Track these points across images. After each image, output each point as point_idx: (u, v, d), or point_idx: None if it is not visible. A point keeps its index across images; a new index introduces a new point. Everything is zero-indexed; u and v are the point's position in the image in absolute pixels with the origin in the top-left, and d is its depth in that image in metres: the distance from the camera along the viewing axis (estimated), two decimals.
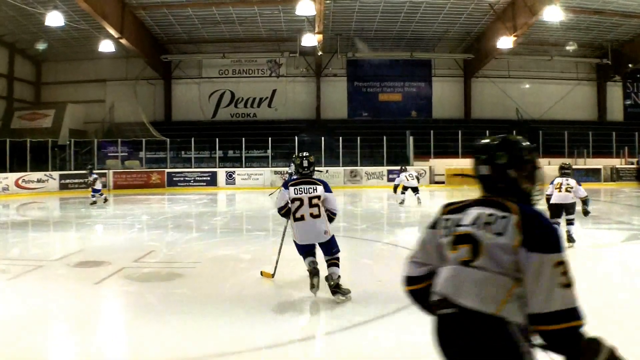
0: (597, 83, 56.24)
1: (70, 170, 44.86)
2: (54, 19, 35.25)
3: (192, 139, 47.96)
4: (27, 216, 28.55)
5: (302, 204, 11.24)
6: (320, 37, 43.42)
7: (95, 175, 32.66)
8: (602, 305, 10.06)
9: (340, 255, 11.35)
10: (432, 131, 48.01)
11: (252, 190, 42.08)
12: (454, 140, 47.37)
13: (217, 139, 48.10)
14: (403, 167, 30.53)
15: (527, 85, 54.79)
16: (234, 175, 44.39)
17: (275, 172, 45.33)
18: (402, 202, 29.56)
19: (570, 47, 48.51)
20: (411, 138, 47.70)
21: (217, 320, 9.84)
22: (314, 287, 11.05)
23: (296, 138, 46.96)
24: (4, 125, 50.33)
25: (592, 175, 46.10)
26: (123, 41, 43.23)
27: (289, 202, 11.32)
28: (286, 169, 41.25)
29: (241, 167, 46.84)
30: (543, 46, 50.79)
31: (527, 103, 54.59)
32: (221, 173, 46.00)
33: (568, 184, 16.55)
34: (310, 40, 43.18)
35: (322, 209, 11.40)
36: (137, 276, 13.21)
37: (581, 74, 55.74)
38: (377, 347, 8.53)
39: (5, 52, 50.94)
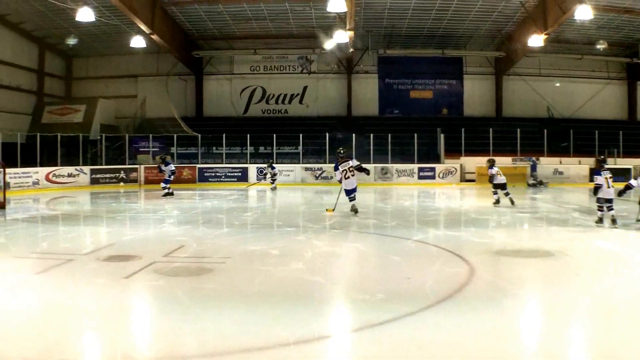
0: (628, 82, 55.64)
1: (101, 165, 45.18)
2: (85, 14, 35.26)
3: (224, 135, 48.06)
4: (57, 210, 28.61)
5: (346, 172, 24.25)
6: (351, 33, 43.30)
7: (172, 167, 33.10)
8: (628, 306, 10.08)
9: (369, 251, 11.72)
10: (463, 129, 47.74)
11: (283, 187, 41.94)
12: (484, 138, 47.13)
13: (248, 135, 48.17)
14: (491, 160, 29.29)
15: (558, 84, 54.43)
16: (264, 171, 44.36)
17: (306, 169, 45.31)
18: (497, 202, 27.72)
19: (601, 46, 48.16)
20: (442, 135, 47.53)
21: (245, 315, 9.85)
22: (355, 212, 24.09)
23: (327, 135, 46.97)
24: (34, 120, 50.62)
25: (622, 174, 45.73)
26: (154, 37, 43.37)
27: (341, 172, 24.31)
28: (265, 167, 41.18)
29: (272, 163, 46.65)
30: (573, 45, 50.39)
31: (558, 101, 54.21)
32: (252, 169, 46.00)
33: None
34: (341, 37, 43.01)
35: (355, 172, 24.31)
36: (166, 271, 13.22)
37: (612, 73, 55.22)
38: (405, 345, 8.47)
39: (35, 47, 51.22)
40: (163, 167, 33.69)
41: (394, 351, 8.19)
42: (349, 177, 24.05)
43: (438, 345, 8.31)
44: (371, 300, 10.66)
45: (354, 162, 24.72)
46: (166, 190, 32.93)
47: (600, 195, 19.88)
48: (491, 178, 27.52)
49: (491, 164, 27.72)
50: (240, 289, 11.79)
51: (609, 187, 19.67)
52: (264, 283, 12.25)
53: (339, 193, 24.91)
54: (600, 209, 20.15)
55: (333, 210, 24.59)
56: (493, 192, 27.64)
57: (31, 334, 8.88)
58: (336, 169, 24.58)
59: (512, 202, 26.87)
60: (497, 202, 27.72)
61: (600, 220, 20.12)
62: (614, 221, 19.71)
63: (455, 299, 10.70)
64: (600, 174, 19.85)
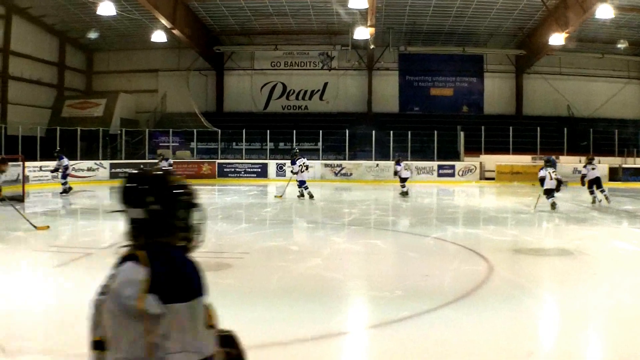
0: None
1: (121, 159, 45.21)
2: (106, 8, 35.38)
3: (244, 130, 48.09)
4: (76, 204, 28.70)
5: (301, 167, 28.56)
6: (372, 30, 43.26)
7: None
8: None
9: (387, 248, 11.60)
10: (483, 127, 47.61)
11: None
12: (504, 137, 47.01)
13: (268, 131, 48.22)
14: (590, 157, 29.10)
15: (578, 83, 54.19)
16: (284, 167, 44.26)
17: (326, 165, 45.28)
18: (594, 202, 27.30)
19: (622, 45, 47.86)
20: (462, 133, 47.40)
21: (263, 311, 9.88)
22: (311, 197, 28.29)
23: (347, 131, 46.87)
24: (54, 113, 50.72)
25: None
26: (175, 32, 43.46)
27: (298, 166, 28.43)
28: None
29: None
30: (594, 43, 50.07)
31: (578, 100, 53.83)
32: (272, 165, 46.06)
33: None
34: (362, 33, 42.98)
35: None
36: None
37: (632, 72, 54.76)
38: (423, 342, 8.47)
39: (56, 41, 51.38)
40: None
41: (411, 348, 8.19)
42: (303, 171, 30.32)
43: (456, 343, 8.31)
44: (389, 297, 10.66)
45: (305, 161, 30.97)
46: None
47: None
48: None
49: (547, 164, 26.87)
50: (259, 284, 11.82)
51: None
52: (282, 279, 12.28)
53: (287, 184, 32.81)
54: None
55: (281, 196, 31.14)
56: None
57: (50, 327, 8.95)
58: (293, 163, 31.12)
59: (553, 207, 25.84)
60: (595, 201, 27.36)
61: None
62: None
63: (473, 297, 10.70)
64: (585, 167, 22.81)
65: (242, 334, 8.71)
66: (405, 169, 32.68)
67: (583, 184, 27.16)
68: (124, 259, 3.44)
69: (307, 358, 7.87)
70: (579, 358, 8.00)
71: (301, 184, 30.63)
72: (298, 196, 30.49)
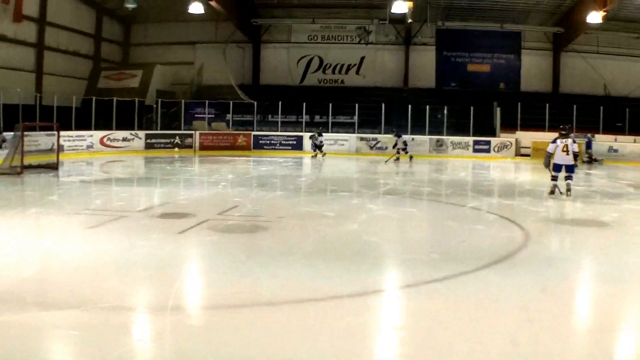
0: None
1: (156, 130, 45.35)
2: None
3: (280, 103, 47.97)
4: (110, 173, 28.84)
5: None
6: (410, 4, 42.96)
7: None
8: None
9: (423, 216, 11.67)
10: (519, 103, 47.26)
11: (338, 156, 41.86)
12: (541, 114, 46.62)
13: (304, 104, 48.01)
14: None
15: (616, 62, 53.73)
16: (315, 141, 44.24)
17: (361, 139, 45.19)
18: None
19: None
20: (498, 109, 47.07)
21: (299, 270, 9.95)
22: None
23: (383, 106, 46.70)
24: (90, 84, 50.72)
25: None
26: (212, 3, 43.35)
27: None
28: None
29: (327, 132, 46.56)
30: (632, 23, 49.65)
31: (615, 80, 53.27)
32: (307, 137, 45.71)
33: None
34: (400, 7, 42.56)
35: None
36: (220, 227, 13.37)
37: None
38: (457, 301, 8.49)
39: (92, 13, 51.40)
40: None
41: (446, 306, 8.21)
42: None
43: (490, 303, 8.30)
44: (426, 260, 10.72)
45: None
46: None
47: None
48: None
49: None
50: (295, 246, 11.87)
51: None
52: (319, 241, 12.35)
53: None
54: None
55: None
56: None
57: (82, 282, 9.01)
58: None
59: None
60: None
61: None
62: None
63: (510, 260, 10.70)
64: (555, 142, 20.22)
65: (280, 290, 8.79)
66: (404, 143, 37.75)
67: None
68: None
69: (343, 313, 7.84)
70: (617, 321, 7.92)
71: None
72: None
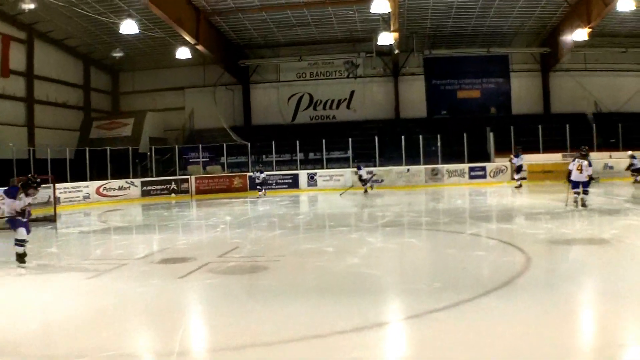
0: None
1: (152, 176, 45.30)
2: (128, 27, 35.39)
3: (273, 143, 47.95)
4: (109, 222, 28.69)
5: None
6: (396, 35, 43.09)
7: None
8: None
9: (423, 245, 11.71)
10: (512, 127, 47.39)
11: (334, 191, 41.85)
12: (534, 136, 46.74)
13: (297, 142, 48.10)
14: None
15: (604, 78, 53.90)
16: (315, 177, 44.29)
17: (356, 173, 45.29)
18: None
19: None
20: (491, 134, 47.22)
21: (301, 307, 9.95)
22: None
23: (376, 138, 46.76)
24: (82, 135, 50.92)
25: None
26: (199, 47, 43.52)
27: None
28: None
29: (322, 168, 46.86)
30: (617, 38, 49.87)
31: (605, 96, 53.46)
32: (303, 175, 45.97)
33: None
34: (386, 39, 42.72)
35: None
36: (221, 269, 13.38)
37: None
38: (462, 330, 8.46)
39: (79, 64, 51.75)
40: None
41: (451, 336, 8.19)
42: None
43: (496, 329, 8.29)
44: (428, 290, 10.69)
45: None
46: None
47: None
48: None
49: None
50: (296, 283, 11.91)
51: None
52: (319, 278, 12.34)
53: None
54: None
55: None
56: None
57: (85, 332, 9.00)
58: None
59: None
60: None
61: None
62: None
63: (513, 286, 10.70)
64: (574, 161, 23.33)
65: (282, 328, 8.78)
66: (368, 173, 40.84)
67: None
68: None
69: (348, 348, 7.84)
70: (623, 342, 7.90)
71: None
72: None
